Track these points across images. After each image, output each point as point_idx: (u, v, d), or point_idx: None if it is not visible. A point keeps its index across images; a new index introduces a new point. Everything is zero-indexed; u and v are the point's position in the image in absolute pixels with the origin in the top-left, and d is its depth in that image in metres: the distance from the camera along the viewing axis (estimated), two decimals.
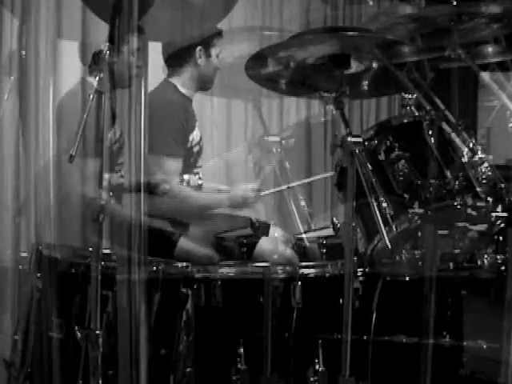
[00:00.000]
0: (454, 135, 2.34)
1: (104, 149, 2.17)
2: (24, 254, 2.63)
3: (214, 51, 3.23)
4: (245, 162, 3.84)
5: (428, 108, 2.45)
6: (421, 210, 2.24)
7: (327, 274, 2.47)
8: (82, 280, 2.41)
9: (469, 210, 2.27)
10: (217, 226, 3.15)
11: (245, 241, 2.95)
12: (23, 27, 3.14)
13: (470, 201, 2.26)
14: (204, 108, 4.00)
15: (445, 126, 2.36)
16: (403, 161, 2.30)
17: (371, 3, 3.06)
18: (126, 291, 2.06)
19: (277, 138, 3.42)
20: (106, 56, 2.06)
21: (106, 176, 2.63)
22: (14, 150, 3.13)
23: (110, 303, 2.35)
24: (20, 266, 2.61)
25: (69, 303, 2.47)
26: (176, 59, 3.20)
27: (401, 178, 2.29)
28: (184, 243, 3.02)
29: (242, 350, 2.37)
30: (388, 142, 2.33)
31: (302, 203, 3.37)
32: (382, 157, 2.32)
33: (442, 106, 2.52)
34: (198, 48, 3.18)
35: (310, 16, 4.28)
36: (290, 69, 2.33)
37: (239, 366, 2.37)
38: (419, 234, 2.41)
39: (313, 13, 4.29)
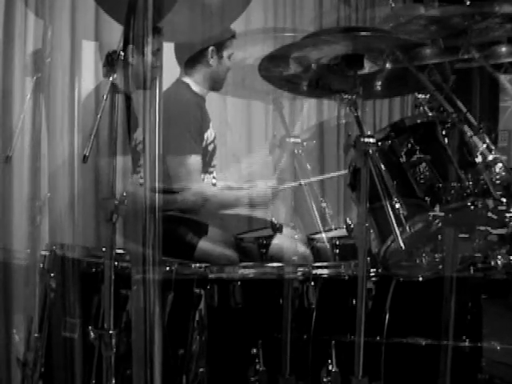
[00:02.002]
0: (475, 138, 2.33)
1: (120, 148, 2.19)
2: (44, 253, 2.63)
3: (226, 53, 3.26)
4: (265, 163, 3.85)
5: (450, 110, 2.44)
6: (442, 213, 2.23)
7: (340, 275, 2.47)
8: (100, 280, 2.39)
9: (489, 214, 2.26)
10: (236, 227, 3.15)
11: (264, 242, 2.95)
12: (48, 27, 3.16)
13: (491, 203, 2.25)
14: (224, 109, 4.01)
15: (466, 128, 2.35)
16: (424, 163, 2.29)
17: (393, 4, 3.05)
18: (141, 290, 2.06)
19: (298, 140, 3.42)
20: (129, 58, 2.07)
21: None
22: (35, 150, 3.15)
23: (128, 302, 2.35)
24: (41, 265, 2.61)
25: (87, 303, 2.47)
26: (189, 59, 3.22)
27: (422, 181, 2.28)
28: (204, 245, 3.03)
29: (260, 351, 2.37)
30: (409, 144, 2.32)
31: (323, 204, 3.36)
32: (403, 159, 2.32)
33: (464, 109, 2.51)
34: (211, 48, 3.20)
35: (328, 18, 4.29)
36: (311, 70, 2.33)
37: (257, 367, 2.37)
38: (439, 236, 2.41)
39: (331, 15, 4.30)
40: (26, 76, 3.14)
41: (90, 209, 3.12)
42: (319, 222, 3.21)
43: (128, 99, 2.64)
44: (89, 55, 3.36)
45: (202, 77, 3.24)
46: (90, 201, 3.12)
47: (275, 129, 3.86)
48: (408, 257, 2.43)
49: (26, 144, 3.17)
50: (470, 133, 2.35)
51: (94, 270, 2.48)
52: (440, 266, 2.44)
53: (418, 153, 2.31)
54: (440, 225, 2.27)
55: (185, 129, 3.06)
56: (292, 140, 3.42)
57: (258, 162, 3.41)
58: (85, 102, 3.04)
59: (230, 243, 3.04)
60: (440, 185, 2.27)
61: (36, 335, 2.60)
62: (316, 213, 3.26)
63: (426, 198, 2.27)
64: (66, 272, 2.52)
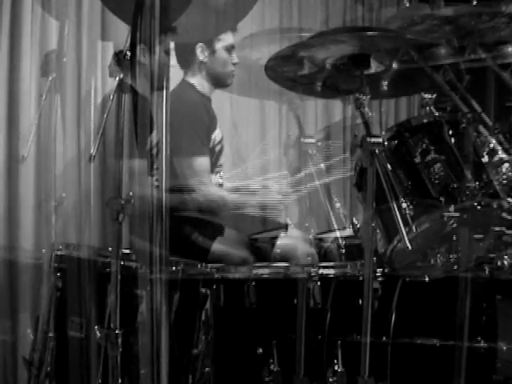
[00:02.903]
0: (484, 138, 2.32)
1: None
2: (60, 252, 2.63)
3: (219, 45, 3.20)
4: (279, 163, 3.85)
5: (464, 110, 2.43)
6: (456, 213, 2.23)
7: (347, 275, 2.47)
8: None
9: (504, 214, 2.25)
10: (251, 228, 3.15)
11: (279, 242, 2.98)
12: (65, 28, 3.17)
13: (506, 204, 2.24)
14: (238, 109, 4.01)
15: (481, 128, 2.34)
16: (439, 164, 2.29)
17: (407, 4, 3.05)
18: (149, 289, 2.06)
19: (313, 140, 3.42)
20: (141, 57, 2.07)
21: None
22: (49, 150, 3.16)
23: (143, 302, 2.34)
24: (55, 264, 2.60)
25: (101, 303, 2.45)
26: (183, 59, 3.21)
27: (437, 182, 2.28)
28: (217, 248, 3.02)
29: (274, 352, 2.37)
30: (424, 144, 2.32)
31: (338, 205, 3.36)
32: (417, 159, 2.31)
33: (479, 109, 2.50)
34: (199, 45, 3.16)
35: (342, 18, 4.30)
36: (317, 70, 2.33)
37: (272, 367, 2.37)
38: (454, 237, 2.40)
39: (345, 15, 4.31)
40: (41, 76, 3.14)
41: (99, 208, 3.13)
42: (334, 222, 3.20)
43: (136, 99, 2.64)
44: (106, 56, 3.37)
45: (201, 75, 3.21)
46: (99, 200, 3.13)
47: (289, 129, 3.87)
48: (417, 257, 2.42)
49: (43, 144, 3.18)
50: (485, 132, 2.34)
51: (108, 269, 2.45)
52: (455, 267, 2.44)
53: (432, 153, 2.31)
54: (454, 225, 2.27)
55: (192, 131, 3.05)
56: (306, 140, 3.41)
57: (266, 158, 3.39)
58: (101, 103, 3.05)
59: (245, 243, 3.05)
60: (455, 185, 2.26)
61: (50, 335, 2.59)
62: (331, 213, 3.25)
63: (441, 198, 2.26)
64: (78, 271, 2.52)
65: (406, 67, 2.43)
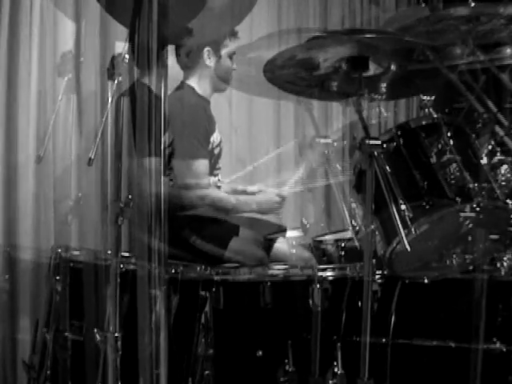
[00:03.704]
0: (506, 138, 2.32)
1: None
2: (76, 253, 2.62)
3: (224, 52, 3.22)
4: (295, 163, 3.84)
5: (480, 110, 2.44)
6: (472, 214, 2.22)
7: (346, 277, 2.48)
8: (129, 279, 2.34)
9: None
10: (264, 229, 3.15)
11: (294, 242, 2.99)
12: (81, 28, 3.18)
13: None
14: (254, 109, 4.00)
15: (497, 128, 2.34)
16: (455, 164, 2.28)
17: (423, 4, 3.05)
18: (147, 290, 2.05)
19: (328, 140, 3.42)
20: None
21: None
22: (65, 150, 3.17)
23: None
24: (71, 264, 2.59)
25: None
26: (187, 61, 3.22)
27: (453, 182, 2.27)
28: (228, 255, 3.02)
29: (290, 352, 2.37)
30: (440, 144, 2.32)
31: (353, 205, 3.35)
32: (433, 160, 2.31)
33: (494, 109, 2.50)
34: (206, 49, 3.18)
35: (355, 19, 4.31)
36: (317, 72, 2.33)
37: (287, 367, 2.38)
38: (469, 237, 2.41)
39: (364, 15, 4.32)
40: (58, 77, 3.14)
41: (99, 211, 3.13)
42: (349, 222, 3.19)
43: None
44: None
45: (203, 79, 3.22)
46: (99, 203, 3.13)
47: (305, 129, 3.88)
48: (419, 258, 2.43)
49: (59, 144, 3.19)
50: (501, 133, 2.34)
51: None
52: (470, 267, 2.44)
53: (448, 153, 2.30)
54: (470, 226, 2.27)
55: (192, 133, 3.06)
56: (322, 140, 3.41)
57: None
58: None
59: (261, 243, 3.06)
60: (471, 185, 2.25)
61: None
62: (346, 213, 3.24)
63: (457, 199, 2.26)
64: (78, 274, 2.51)
65: (405, 68, 2.43)
